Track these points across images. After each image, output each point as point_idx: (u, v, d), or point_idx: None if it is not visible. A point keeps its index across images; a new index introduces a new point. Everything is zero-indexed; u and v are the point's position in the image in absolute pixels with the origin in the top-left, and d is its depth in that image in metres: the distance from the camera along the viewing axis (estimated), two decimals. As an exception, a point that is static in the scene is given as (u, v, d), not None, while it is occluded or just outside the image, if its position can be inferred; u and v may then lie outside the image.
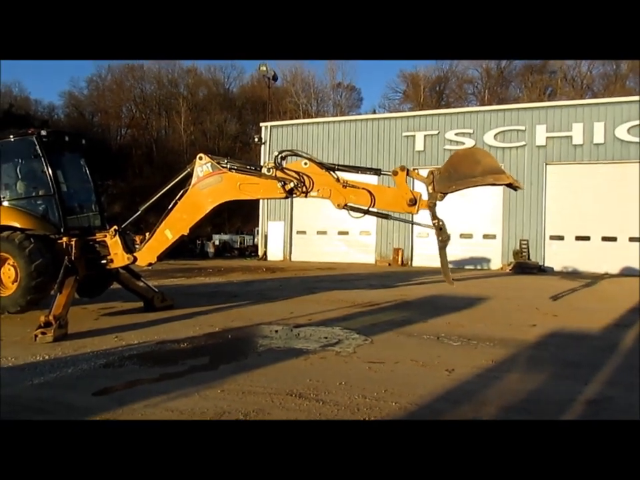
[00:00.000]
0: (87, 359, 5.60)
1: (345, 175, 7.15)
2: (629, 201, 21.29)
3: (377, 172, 7.32)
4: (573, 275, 20.05)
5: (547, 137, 22.94)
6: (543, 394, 4.60)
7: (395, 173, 6.75)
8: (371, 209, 7.00)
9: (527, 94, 47.83)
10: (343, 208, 7.00)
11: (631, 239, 21.51)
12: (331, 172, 7.04)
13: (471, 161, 6.39)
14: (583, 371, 5.39)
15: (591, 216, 21.46)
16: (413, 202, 6.63)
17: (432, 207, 6.61)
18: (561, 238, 22.59)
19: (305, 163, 7.08)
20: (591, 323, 8.35)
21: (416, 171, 6.80)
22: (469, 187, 6.58)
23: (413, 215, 6.95)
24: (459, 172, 6.36)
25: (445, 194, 6.53)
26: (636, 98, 24.25)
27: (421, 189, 6.82)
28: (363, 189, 6.93)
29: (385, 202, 6.94)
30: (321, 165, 7.12)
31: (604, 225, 21.62)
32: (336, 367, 5.45)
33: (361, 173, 7.61)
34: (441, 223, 6.63)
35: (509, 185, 6.50)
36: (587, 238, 22.14)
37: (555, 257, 22.46)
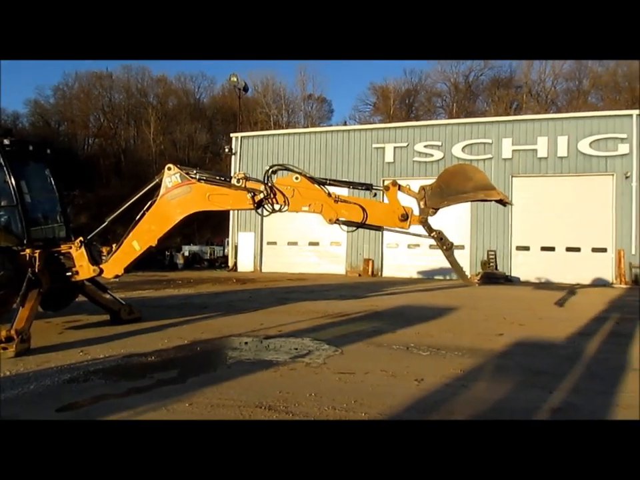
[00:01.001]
0: (51, 375, 5.45)
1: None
2: (592, 212, 21.94)
3: (368, 187, 7.28)
4: (546, 285, 20.46)
5: (513, 150, 23.48)
6: (509, 402, 4.68)
7: (386, 188, 6.77)
8: (363, 224, 7.00)
9: (494, 108, 48.92)
10: (335, 223, 6.99)
11: (594, 250, 22.13)
12: (323, 187, 7.04)
13: (463, 177, 6.47)
14: (548, 379, 5.49)
15: (556, 227, 21.98)
16: (405, 217, 6.66)
17: (424, 222, 6.67)
18: (526, 248, 23.07)
19: (297, 178, 7.04)
20: (556, 332, 8.53)
21: (408, 186, 6.78)
22: (460, 203, 6.69)
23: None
24: (451, 188, 6.43)
25: (437, 209, 6.61)
26: (598, 113, 25.11)
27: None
28: (355, 203, 6.95)
29: (377, 217, 6.94)
30: (312, 179, 7.10)
31: (568, 235, 22.18)
32: (306, 378, 5.44)
33: (353, 188, 7.63)
34: (439, 233, 6.70)
35: (499, 201, 6.54)
36: (552, 248, 22.66)
37: (521, 267, 22.92)
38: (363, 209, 6.88)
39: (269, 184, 7.06)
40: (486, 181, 6.47)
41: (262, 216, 7.37)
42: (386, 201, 6.92)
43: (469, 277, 22.89)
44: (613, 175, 22.07)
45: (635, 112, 22.81)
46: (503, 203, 6.61)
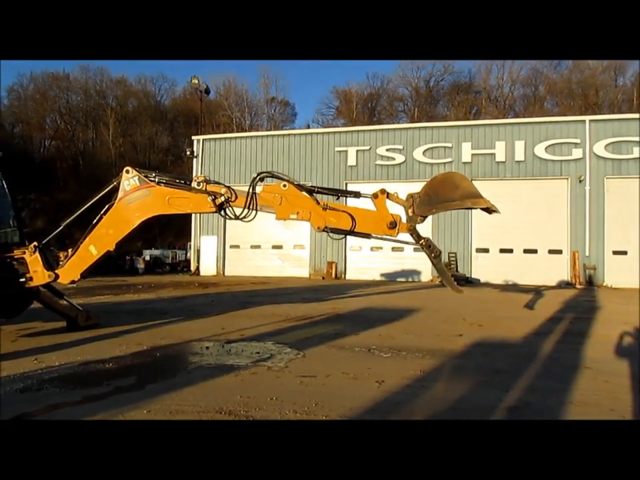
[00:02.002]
0: (3, 384, 5.25)
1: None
2: (548, 215, 22.61)
3: (356, 195, 7.27)
4: (509, 287, 20.93)
5: (472, 154, 24.01)
6: (467, 402, 4.76)
7: (375, 196, 6.78)
8: (351, 232, 6.99)
9: (454, 112, 49.95)
10: (323, 230, 6.96)
11: (550, 252, 22.80)
12: (311, 194, 6.99)
13: (450, 185, 6.56)
14: (505, 378, 5.61)
15: (514, 230, 22.56)
16: (393, 225, 6.70)
17: (412, 230, 6.71)
18: (486, 251, 23.59)
19: (284, 185, 6.98)
20: (513, 332, 8.74)
21: (396, 194, 6.80)
22: (448, 210, 6.76)
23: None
24: (439, 196, 6.49)
25: (425, 217, 6.66)
26: (553, 119, 25.90)
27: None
28: (344, 211, 6.94)
29: (365, 225, 6.94)
30: (300, 187, 7.06)
31: (525, 238, 22.80)
32: (267, 382, 5.41)
33: (341, 195, 7.61)
34: (428, 241, 6.75)
35: (486, 209, 6.59)
36: (510, 250, 23.24)
37: (481, 268, 23.41)
38: (352, 217, 6.89)
39: (253, 190, 6.99)
40: (473, 189, 6.57)
41: (239, 220, 7.25)
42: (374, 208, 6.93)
43: (430, 279, 23.27)
44: (567, 178, 22.80)
45: (587, 118, 23.68)
46: (489, 210, 6.65)
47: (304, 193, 7.02)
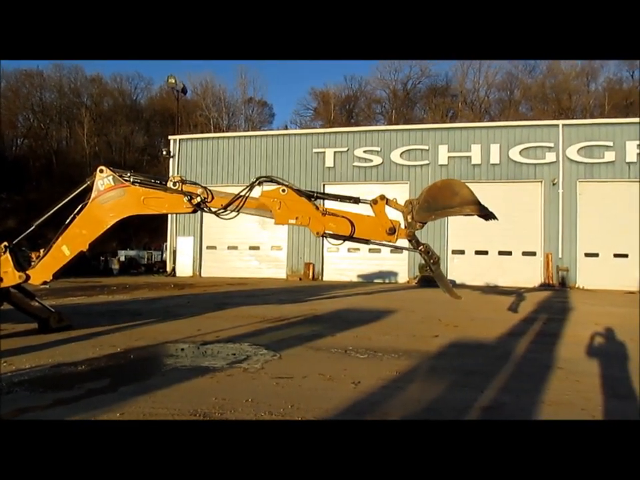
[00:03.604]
0: (-30, 387, 5.14)
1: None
2: (522, 217, 22.96)
3: (356, 201, 7.21)
4: (490, 289, 21.16)
5: (449, 157, 24.27)
6: (442, 402, 4.79)
7: (374, 202, 6.75)
8: (350, 237, 6.95)
9: (431, 115, 50.46)
10: (322, 236, 6.92)
11: (524, 253, 23.16)
12: (310, 199, 6.95)
13: (449, 192, 6.56)
14: (479, 378, 5.67)
15: (489, 231, 22.76)
16: (393, 231, 6.67)
17: (411, 236, 6.71)
18: (462, 252, 23.86)
19: (283, 190, 6.91)
20: (488, 332, 8.84)
21: (395, 200, 6.75)
22: (446, 217, 6.77)
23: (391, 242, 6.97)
24: (438, 202, 6.49)
25: (424, 223, 6.66)
26: (527, 122, 26.34)
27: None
28: (343, 217, 6.90)
29: (364, 230, 6.90)
30: (299, 192, 7.00)
31: (500, 240, 23.10)
32: (243, 384, 5.37)
33: (340, 201, 7.60)
34: (427, 247, 6.76)
35: (484, 216, 6.65)
36: (486, 252, 23.55)
37: (457, 270, 23.65)
38: (351, 222, 6.86)
39: (248, 194, 6.93)
40: (472, 197, 6.60)
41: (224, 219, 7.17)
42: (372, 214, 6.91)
43: (407, 281, 23.43)
44: (541, 181, 23.21)
45: (561, 122, 24.16)
46: (486, 217, 6.71)
47: (303, 198, 6.98)
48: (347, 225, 6.89)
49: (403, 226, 6.81)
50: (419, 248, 6.85)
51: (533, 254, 23.17)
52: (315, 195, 7.19)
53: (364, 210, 7.11)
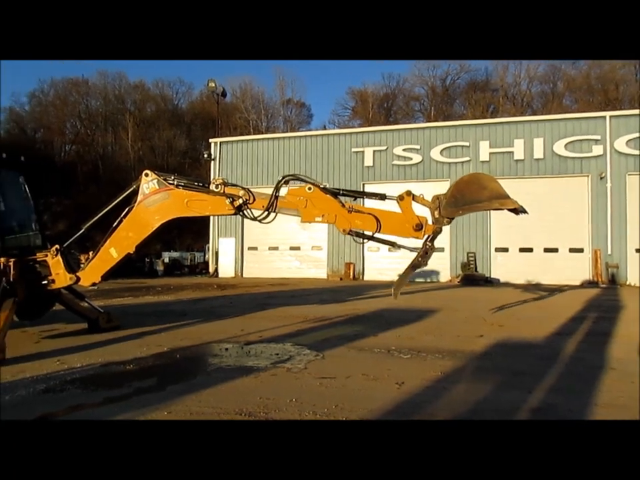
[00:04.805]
0: (26, 385, 5.34)
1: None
2: (569, 213, 22.30)
3: (382, 197, 7.07)
4: (531, 287, 20.69)
5: (490, 153, 23.79)
6: (489, 404, 4.70)
7: (400, 198, 6.64)
8: (376, 235, 6.89)
9: (471, 111, 49.54)
10: (349, 233, 6.93)
11: (571, 250, 22.49)
12: (336, 197, 6.94)
13: (477, 186, 6.42)
14: (527, 379, 5.53)
15: (533, 228, 22.25)
16: (419, 227, 6.56)
17: (438, 232, 6.62)
18: (505, 250, 23.35)
19: (309, 188, 6.90)
20: (535, 332, 8.62)
21: (421, 196, 6.68)
22: (475, 212, 6.62)
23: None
24: (465, 197, 6.37)
25: (452, 219, 6.58)
26: (572, 115, 25.57)
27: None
28: (369, 213, 6.85)
29: (391, 227, 6.80)
30: (325, 190, 6.99)
31: (545, 236, 22.50)
32: (287, 384, 5.40)
33: (366, 198, 7.54)
34: (430, 248, 6.67)
35: (514, 210, 6.45)
36: (530, 250, 22.97)
37: (501, 268, 23.18)
38: (377, 219, 6.79)
39: (276, 193, 6.97)
40: (500, 190, 6.42)
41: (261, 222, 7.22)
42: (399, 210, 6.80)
43: (449, 279, 23.09)
44: (588, 176, 22.48)
45: (608, 113, 23.31)
46: (516, 211, 6.49)
47: (329, 195, 6.98)
48: (373, 221, 6.82)
49: (430, 222, 6.70)
50: (427, 244, 6.66)
51: (581, 250, 22.47)
52: (341, 192, 7.16)
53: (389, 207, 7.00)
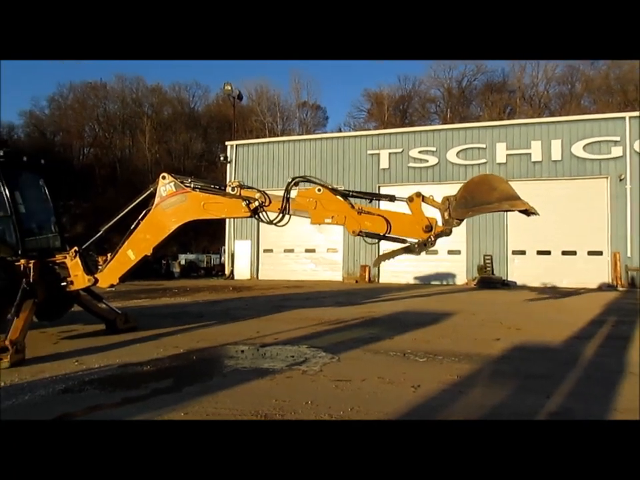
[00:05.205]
0: (45, 385, 5.41)
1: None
2: (587, 215, 22.02)
3: (392, 199, 7.10)
4: (548, 290, 20.47)
5: (507, 155, 23.59)
6: (506, 408, 4.66)
7: (410, 200, 6.64)
8: (385, 236, 6.90)
9: (487, 112, 49.17)
10: (358, 235, 6.94)
11: (590, 253, 22.19)
12: (346, 198, 6.96)
13: (487, 188, 6.40)
14: (545, 383, 5.48)
15: (551, 231, 22.01)
16: (429, 228, 6.55)
17: (447, 234, 6.61)
18: (523, 253, 23.13)
19: (319, 190, 6.95)
20: (553, 335, 8.53)
21: (431, 197, 6.67)
22: (485, 213, 6.59)
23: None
24: (475, 198, 6.35)
25: (462, 220, 6.56)
26: (590, 116, 25.24)
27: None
28: (379, 215, 6.86)
29: (401, 228, 6.82)
30: (334, 191, 7.02)
31: (563, 239, 22.25)
32: (302, 386, 5.41)
33: (375, 199, 7.55)
34: (430, 242, 6.63)
35: (524, 211, 6.42)
36: (548, 252, 22.73)
37: (518, 271, 22.96)
38: (387, 220, 6.80)
39: (287, 195, 7.00)
40: (510, 191, 6.38)
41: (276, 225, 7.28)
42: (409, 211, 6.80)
43: (465, 282, 22.92)
44: (607, 177, 22.19)
45: (627, 114, 22.99)
46: (527, 213, 6.44)
47: (338, 197, 6.98)
48: (382, 223, 6.80)
49: (440, 223, 6.66)
50: (428, 238, 6.62)
51: (600, 253, 22.17)
52: (350, 193, 7.16)
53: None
